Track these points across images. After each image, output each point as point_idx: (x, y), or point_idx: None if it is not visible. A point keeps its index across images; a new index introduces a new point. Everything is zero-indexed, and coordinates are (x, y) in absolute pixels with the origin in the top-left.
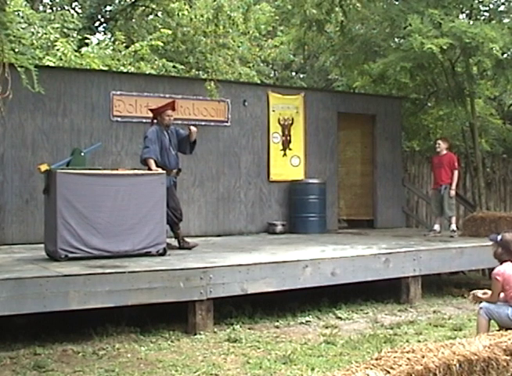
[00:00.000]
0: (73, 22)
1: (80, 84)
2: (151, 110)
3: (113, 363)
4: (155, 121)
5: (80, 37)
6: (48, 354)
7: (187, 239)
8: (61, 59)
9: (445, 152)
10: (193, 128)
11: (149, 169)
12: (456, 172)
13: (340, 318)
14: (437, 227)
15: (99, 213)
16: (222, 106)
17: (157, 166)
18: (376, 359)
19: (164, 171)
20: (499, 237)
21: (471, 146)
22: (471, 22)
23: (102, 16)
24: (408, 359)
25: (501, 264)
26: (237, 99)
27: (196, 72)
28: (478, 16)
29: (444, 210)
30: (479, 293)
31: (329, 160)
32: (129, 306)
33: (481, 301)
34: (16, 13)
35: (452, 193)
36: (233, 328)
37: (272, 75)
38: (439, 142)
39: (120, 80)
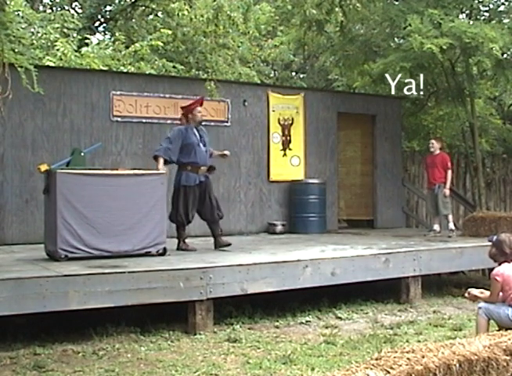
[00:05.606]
0: (73, 22)
1: (80, 84)
2: (183, 108)
3: (113, 363)
4: (182, 119)
5: (80, 37)
6: (48, 354)
7: (187, 241)
8: (61, 59)
9: (438, 152)
10: (227, 152)
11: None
12: (449, 172)
13: (340, 318)
14: (436, 227)
15: (99, 213)
16: (222, 106)
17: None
18: (376, 359)
19: (165, 172)
20: (495, 237)
21: (471, 146)
22: (471, 22)
23: (102, 16)
24: (408, 359)
25: (499, 265)
26: (237, 99)
27: (196, 72)
28: (478, 16)
29: (439, 209)
30: (476, 291)
31: (329, 160)
32: (129, 306)
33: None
34: (16, 13)
35: (447, 192)
36: (233, 328)
37: (272, 75)
38: (433, 141)
39: (120, 80)
